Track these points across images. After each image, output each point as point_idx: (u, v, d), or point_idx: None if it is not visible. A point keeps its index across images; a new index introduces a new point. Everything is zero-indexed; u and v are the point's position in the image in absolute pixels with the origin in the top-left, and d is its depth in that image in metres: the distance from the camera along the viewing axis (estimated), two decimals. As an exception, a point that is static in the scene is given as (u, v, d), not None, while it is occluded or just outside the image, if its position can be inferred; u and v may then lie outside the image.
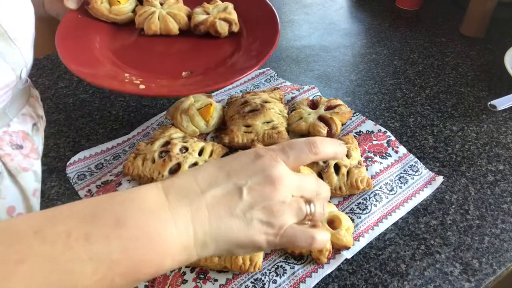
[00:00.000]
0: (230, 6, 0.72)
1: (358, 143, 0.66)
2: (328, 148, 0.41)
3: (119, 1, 0.69)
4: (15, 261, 0.27)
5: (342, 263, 0.53)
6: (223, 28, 0.69)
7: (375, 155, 0.65)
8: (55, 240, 0.29)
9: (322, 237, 0.40)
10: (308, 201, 0.39)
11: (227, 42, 0.70)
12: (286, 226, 0.37)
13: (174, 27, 0.70)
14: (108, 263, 0.30)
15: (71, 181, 0.66)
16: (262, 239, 0.36)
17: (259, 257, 0.50)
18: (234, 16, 0.70)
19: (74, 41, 0.65)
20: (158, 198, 0.34)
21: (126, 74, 0.61)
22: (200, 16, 0.70)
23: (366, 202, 0.59)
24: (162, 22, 0.69)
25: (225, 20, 0.69)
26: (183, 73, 0.62)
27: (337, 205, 0.58)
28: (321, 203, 0.40)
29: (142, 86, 0.58)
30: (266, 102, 0.71)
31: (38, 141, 0.66)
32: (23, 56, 0.54)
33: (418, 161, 0.65)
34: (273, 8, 0.70)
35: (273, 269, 0.52)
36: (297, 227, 0.38)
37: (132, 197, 0.33)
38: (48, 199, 0.64)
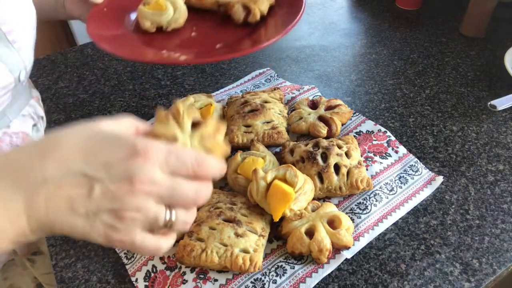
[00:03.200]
0: None
1: (358, 143, 0.66)
2: (211, 170, 0.35)
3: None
4: None
5: (342, 263, 0.53)
6: (238, 14, 0.64)
7: (375, 155, 0.65)
8: None
9: (167, 246, 0.35)
10: (170, 208, 0.33)
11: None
12: (132, 235, 0.32)
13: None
14: None
15: (71, 181, 0.66)
16: (101, 240, 0.32)
17: (259, 257, 0.50)
18: (260, 4, 0.65)
19: (106, 29, 0.64)
20: None
21: (164, 51, 0.61)
22: None
23: (366, 202, 0.59)
24: None
25: (245, 6, 0.64)
26: (217, 46, 0.62)
27: (337, 205, 0.58)
28: (187, 213, 0.35)
29: (183, 58, 0.59)
30: (266, 102, 0.71)
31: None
32: (22, 58, 0.54)
33: (418, 161, 0.65)
34: None
35: (273, 269, 0.52)
36: (143, 237, 0.33)
37: None
38: (48, 199, 0.64)
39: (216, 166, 0.35)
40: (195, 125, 0.46)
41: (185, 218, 0.34)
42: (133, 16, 0.67)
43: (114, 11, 0.67)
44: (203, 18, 0.68)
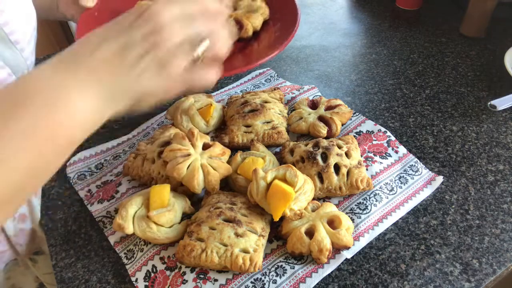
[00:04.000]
0: (262, 9, 0.68)
1: (358, 143, 0.66)
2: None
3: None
4: None
5: (342, 263, 0.53)
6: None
7: (375, 155, 0.65)
8: None
9: (217, 73, 0.41)
10: (202, 40, 0.38)
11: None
12: (180, 68, 0.37)
13: None
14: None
15: (71, 181, 0.66)
16: (158, 86, 0.37)
17: (259, 257, 0.50)
18: (254, 19, 0.65)
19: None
20: (50, 73, 0.34)
21: None
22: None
23: (366, 202, 0.59)
24: None
25: (237, 21, 0.65)
26: None
27: (337, 205, 0.58)
28: (215, 36, 0.39)
29: None
30: (266, 102, 0.71)
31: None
32: (24, 59, 0.54)
33: (418, 161, 0.65)
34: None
35: (273, 269, 0.52)
36: (193, 70, 0.38)
37: (23, 80, 0.34)
38: (48, 199, 0.64)
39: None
40: (205, 147, 0.59)
41: (220, 35, 0.39)
42: None
43: (105, 16, 0.67)
44: None
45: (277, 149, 0.67)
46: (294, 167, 0.55)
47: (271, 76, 0.86)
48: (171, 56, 0.36)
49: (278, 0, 0.68)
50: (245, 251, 0.50)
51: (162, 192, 0.55)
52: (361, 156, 0.64)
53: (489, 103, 0.74)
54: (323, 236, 0.52)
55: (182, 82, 0.38)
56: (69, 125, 0.34)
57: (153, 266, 0.53)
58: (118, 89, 0.36)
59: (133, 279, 0.52)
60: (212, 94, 0.82)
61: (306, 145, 0.63)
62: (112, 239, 0.57)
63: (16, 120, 0.31)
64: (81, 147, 0.72)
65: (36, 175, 0.34)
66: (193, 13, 0.37)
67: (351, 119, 0.71)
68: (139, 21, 0.36)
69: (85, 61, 0.35)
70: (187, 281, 0.51)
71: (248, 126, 0.67)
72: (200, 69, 0.39)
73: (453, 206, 0.59)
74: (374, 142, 0.67)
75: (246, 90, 0.83)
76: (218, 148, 0.60)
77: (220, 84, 0.86)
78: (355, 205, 0.58)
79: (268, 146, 0.66)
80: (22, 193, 0.34)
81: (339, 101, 0.72)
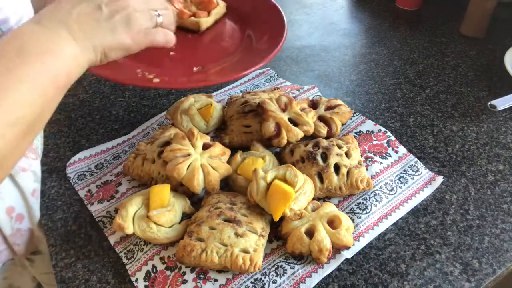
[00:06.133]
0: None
1: (358, 143, 0.66)
2: None
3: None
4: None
5: (342, 263, 0.53)
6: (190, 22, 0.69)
7: (375, 155, 0.65)
8: None
9: (168, 34, 0.50)
10: (158, 15, 0.49)
11: (235, 38, 0.69)
12: (143, 27, 0.47)
13: None
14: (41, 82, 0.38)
15: (71, 181, 0.66)
16: (127, 39, 0.45)
17: (259, 257, 0.50)
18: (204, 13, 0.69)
19: None
20: (39, 29, 0.40)
21: (138, 70, 0.60)
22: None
23: (366, 202, 0.59)
24: None
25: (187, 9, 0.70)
26: (194, 68, 0.62)
27: (337, 205, 0.58)
28: (167, 15, 0.51)
29: (156, 80, 0.58)
30: (266, 102, 0.71)
31: (37, 141, 0.66)
32: None
33: (418, 161, 0.65)
34: (277, 5, 0.69)
35: (273, 269, 0.52)
36: (153, 29, 0.48)
37: (15, 35, 0.39)
38: (48, 199, 0.64)
39: None
40: (205, 147, 0.59)
41: (167, 20, 0.50)
42: None
43: None
44: (185, 37, 0.69)
45: (277, 149, 0.67)
46: (294, 167, 0.55)
47: (271, 76, 0.86)
48: (134, 18, 0.46)
49: (265, 12, 0.69)
50: (245, 251, 0.50)
51: (162, 192, 0.55)
52: (361, 156, 0.64)
53: (489, 103, 0.74)
54: (323, 236, 0.52)
55: (142, 38, 0.47)
56: (64, 68, 0.40)
57: (153, 266, 0.53)
58: (95, 40, 0.43)
59: (133, 279, 0.52)
60: (212, 94, 0.82)
61: (306, 145, 0.63)
62: (112, 239, 0.57)
63: (24, 65, 0.37)
64: (81, 147, 0.72)
65: (42, 113, 0.39)
66: None
67: (351, 119, 0.71)
68: None
69: (66, 18, 0.42)
70: (187, 281, 0.51)
71: (248, 126, 0.67)
72: (155, 32, 0.49)
73: (453, 206, 0.59)
74: (374, 142, 0.67)
75: (246, 90, 0.83)
76: (218, 148, 0.60)
77: (220, 84, 0.86)
78: (355, 205, 0.58)
79: (268, 146, 0.66)
80: (30, 134, 0.39)
81: (339, 101, 0.72)
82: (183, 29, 0.70)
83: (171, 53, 0.64)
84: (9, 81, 0.36)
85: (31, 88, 0.37)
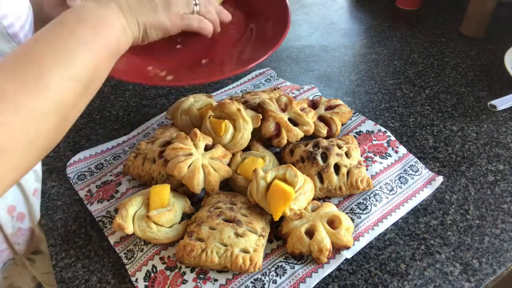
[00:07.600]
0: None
1: (358, 143, 0.66)
2: None
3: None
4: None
5: (342, 263, 0.53)
6: None
7: (375, 155, 0.65)
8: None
9: (203, 21, 0.56)
10: (196, 4, 0.55)
11: (239, 26, 0.68)
12: (181, 12, 0.53)
13: None
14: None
15: (71, 181, 0.66)
16: (166, 20, 0.51)
17: (259, 257, 0.50)
18: None
19: None
20: (90, 3, 0.46)
21: (150, 67, 0.60)
22: None
23: (366, 202, 0.59)
24: None
25: None
26: (203, 61, 0.61)
27: (337, 205, 0.58)
28: (206, 5, 0.56)
29: (169, 78, 0.58)
30: (266, 102, 0.71)
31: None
32: None
33: (418, 161, 0.65)
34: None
35: (273, 269, 0.52)
36: (190, 15, 0.54)
37: (73, 9, 0.45)
38: (48, 199, 0.64)
39: None
40: (207, 148, 0.59)
41: (204, 8, 0.56)
42: None
43: None
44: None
45: (277, 149, 0.67)
46: (294, 167, 0.55)
47: (271, 76, 0.86)
48: (174, 3, 0.52)
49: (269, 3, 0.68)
50: (245, 251, 0.50)
51: (162, 192, 0.55)
52: (361, 156, 0.64)
53: (489, 103, 0.74)
54: (323, 236, 0.52)
55: (179, 22, 0.53)
56: (114, 36, 0.45)
57: (153, 266, 0.53)
58: (139, 16, 0.49)
59: (133, 279, 0.52)
60: (212, 94, 0.82)
61: (306, 145, 0.63)
62: (112, 239, 0.57)
63: (82, 30, 0.42)
64: (81, 147, 0.72)
65: (94, 77, 0.43)
66: None
67: (351, 119, 0.71)
68: None
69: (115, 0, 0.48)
70: (187, 281, 0.51)
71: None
72: (192, 17, 0.55)
73: (453, 206, 0.59)
74: (374, 142, 0.67)
75: (246, 90, 0.83)
76: (220, 150, 0.60)
77: (220, 84, 0.86)
78: (355, 205, 0.58)
79: (268, 146, 0.66)
80: (85, 95, 0.43)
81: (339, 101, 0.72)
82: None
83: (178, 46, 0.64)
84: (69, 43, 0.41)
85: (86, 51, 0.41)
